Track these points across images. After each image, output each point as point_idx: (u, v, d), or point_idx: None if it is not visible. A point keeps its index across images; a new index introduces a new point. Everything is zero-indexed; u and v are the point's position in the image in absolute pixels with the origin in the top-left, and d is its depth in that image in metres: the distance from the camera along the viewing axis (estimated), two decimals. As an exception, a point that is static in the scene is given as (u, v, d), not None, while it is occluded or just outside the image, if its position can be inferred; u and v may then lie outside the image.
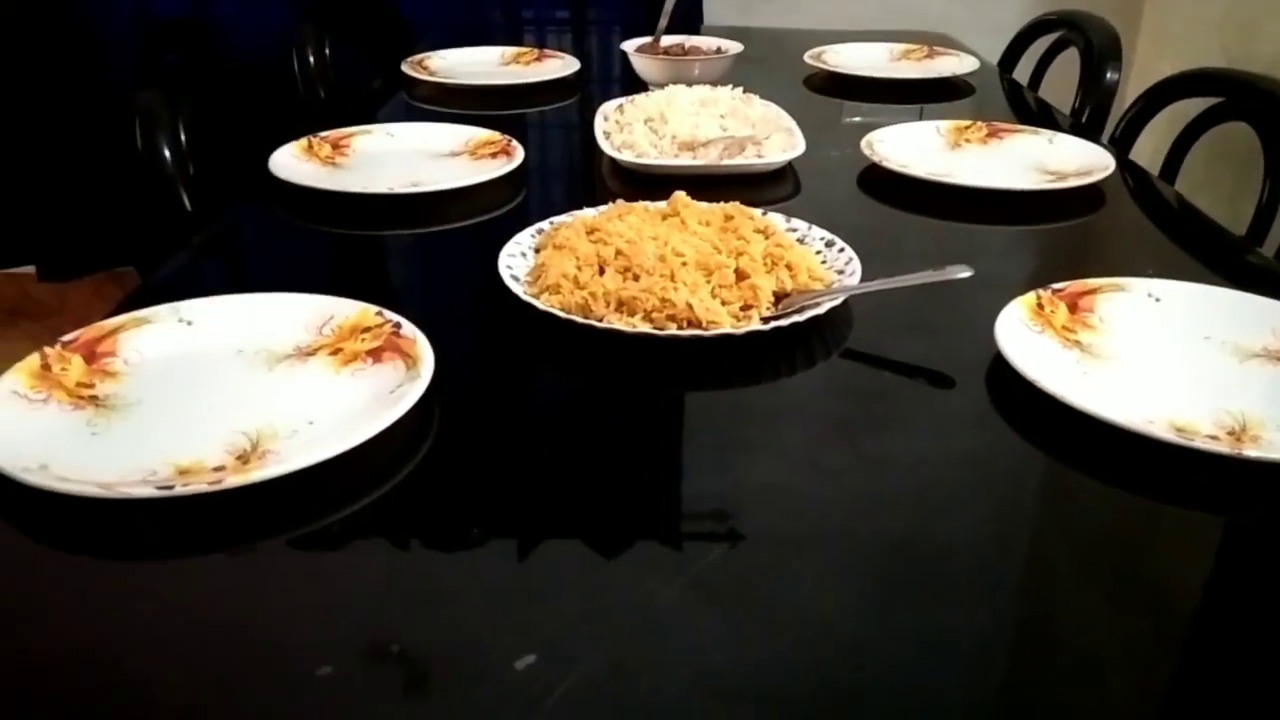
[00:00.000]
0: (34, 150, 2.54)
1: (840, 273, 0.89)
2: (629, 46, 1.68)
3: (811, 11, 2.68)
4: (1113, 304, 0.84)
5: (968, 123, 1.36)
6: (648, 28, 1.72)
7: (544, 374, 0.82)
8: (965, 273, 0.82)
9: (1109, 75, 1.63)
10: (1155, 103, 1.43)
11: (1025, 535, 0.65)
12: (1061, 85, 1.78)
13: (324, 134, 1.27)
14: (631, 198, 0.99)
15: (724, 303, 0.81)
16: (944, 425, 0.74)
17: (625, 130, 1.26)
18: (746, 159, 1.20)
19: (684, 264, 0.84)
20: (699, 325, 0.79)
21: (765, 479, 0.66)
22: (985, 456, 0.70)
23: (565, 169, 1.42)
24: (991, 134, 1.34)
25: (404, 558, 0.60)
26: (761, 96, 1.37)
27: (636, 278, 0.83)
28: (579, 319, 0.79)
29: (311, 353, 0.76)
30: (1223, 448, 0.65)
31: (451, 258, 1.06)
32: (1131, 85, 2.31)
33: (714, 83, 1.40)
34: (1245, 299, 0.85)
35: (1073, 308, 0.83)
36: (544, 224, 0.96)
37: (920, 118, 1.42)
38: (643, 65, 1.63)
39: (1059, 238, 1.12)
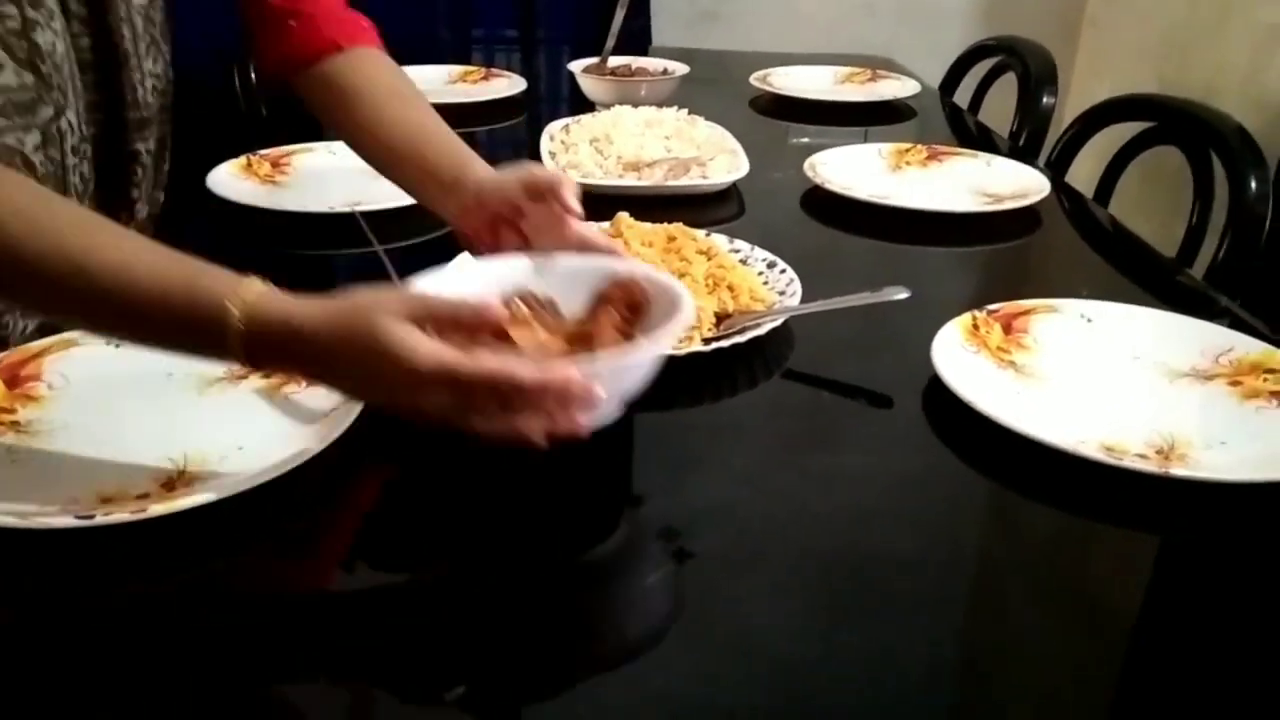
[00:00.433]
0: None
1: (781, 294, 0.89)
2: (576, 67, 1.68)
3: (758, 34, 2.71)
4: (1046, 325, 0.86)
5: (908, 146, 1.38)
6: (597, 48, 1.72)
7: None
8: (903, 294, 0.83)
9: (1045, 100, 1.67)
10: (1090, 127, 1.47)
11: (963, 553, 0.65)
12: (1000, 109, 1.82)
13: (264, 151, 1.25)
14: (575, 218, 0.99)
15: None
16: (883, 444, 0.75)
17: (571, 150, 1.26)
18: (691, 180, 1.20)
19: (625, 285, 0.84)
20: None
21: (709, 498, 0.66)
22: (923, 475, 0.71)
23: (511, 189, 1.42)
24: (931, 157, 1.36)
25: (339, 584, 0.59)
26: (707, 118, 1.38)
27: (578, 298, 0.83)
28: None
29: (244, 376, 0.75)
30: (1151, 467, 0.66)
31: (392, 279, 1.05)
32: (1069, 109, 2.37)
33: (660, 104, 1.41)
34: (1175, 320, 0.87)
35: (1007, 329, 0.85)
36: (486, 244, 0.96)
37: (865, 140, 1.44)
38: (590, 85, 1.63)
39: (996, 259, 1.14)
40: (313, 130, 1.45)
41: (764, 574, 0.59)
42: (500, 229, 0.78)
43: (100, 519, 0.58)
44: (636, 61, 1.76)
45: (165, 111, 0.99)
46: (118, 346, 0.78)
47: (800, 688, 0.52)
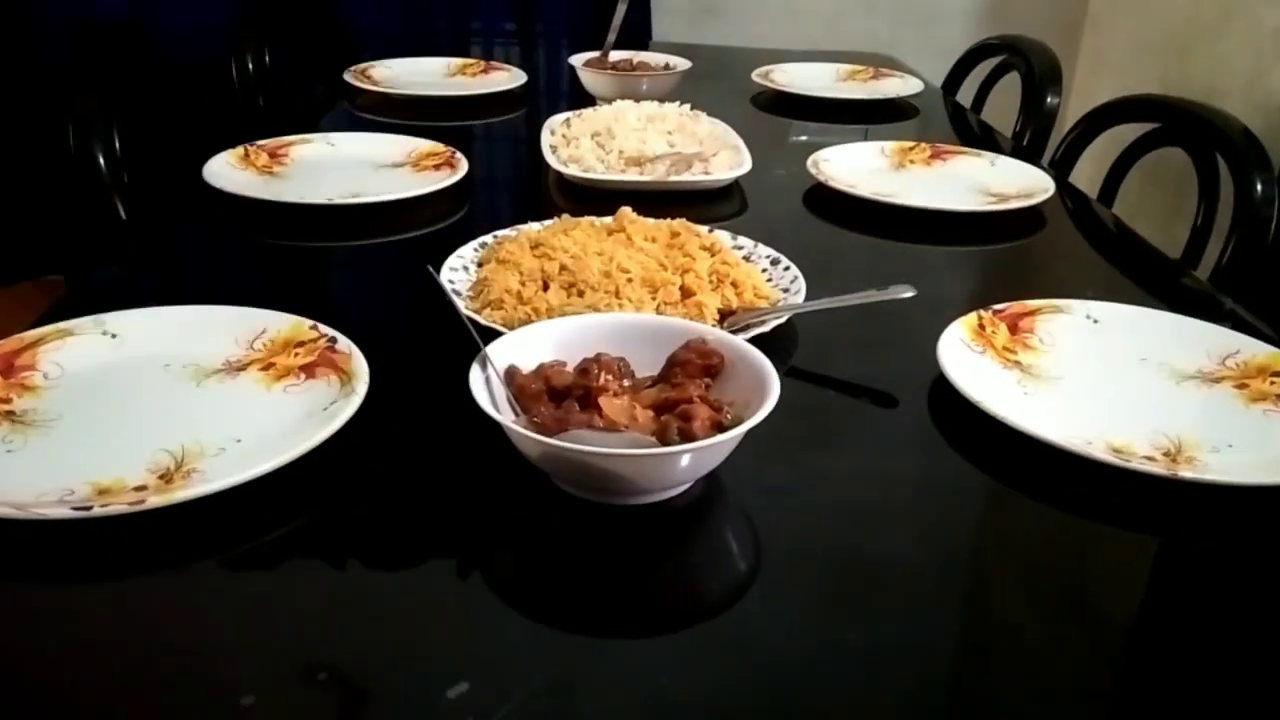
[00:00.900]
0: (-39, 154, 2.46)
1: (785, 291, 0.89)
2: (577, 61, 1.68)
3: (760, 30, 2.70)
4: (1052, 325, 0.85)
5: (912, 144, 1.37)
6: (596, 42, 1.72)
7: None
8: (908, 292, 0.82)
9: (1049, 100, 1.66)
10: (1094, 127, 1.46)
11: (966, 554, 0.65)
12: (1003, 108, 1.81)
13: (261, 142, 1.24)
14: (577, 213, 0.98)
15: (668, 320, 0.80)
16: (887, 444, 0.74)
17: (572, 145, 1.25)
18: (693, 176, 1.19)
19: (629, 280, 0.83)
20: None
21: (711, 496, 0.65)
22: (927, 476, 0.70)
23: (511, 182, 1.41)
24: (935, 155, 1.35)
25: (335, 581, 0.58)
26: (709, 114, 1.37)
27: (581, 293, 0.82)
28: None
29: (242, 368, 0.74)
30: (1158, 469, 0.66)
31: (391, 271, 1.04)
32: (1071, 110, 2.36)
33: (661, 99, 1.40)
34: (1181, 322, 0.86)
35: (1013, 328, 0.84)
36: (487, 238, 0.95)
37: (865, 138, 1.44)
38: (590, 80, 1.62)
39: (1000, 259, 1.14)
40: (310, 122, 1.45)
41: (766, 573, 0.59)
42: None
43: (97, 510, 0.57)
44: (637, 56, 1.75)
45: None
46: (114, 337, 0.77)
47: (802, 688, 0.51)
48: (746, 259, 0.94)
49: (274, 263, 1.04)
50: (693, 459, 0.60)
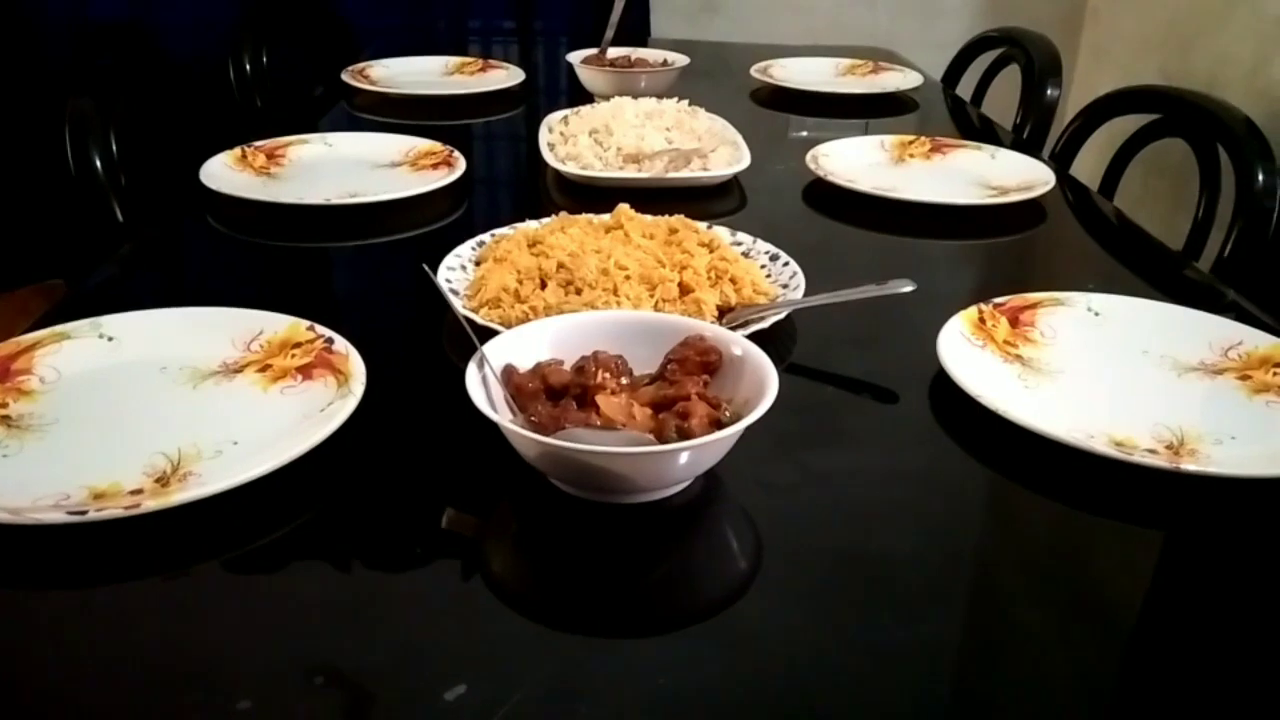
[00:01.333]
0: (-40, 158, 2.45)
1: (785, 287, 0.88)
2: (575, 58, 1.67)
3: (759, 26, 2.70)
4: (1053, 318, 0.85)
5: (912, 138, 1.37)
6: (595, 39, 1.71)
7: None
8: (908, 287, 0.82)
9: (1049, 92, 1.66)
10: (1094, 119, 1.45)
11: (969, 549, 0.64)
12: (1004, 100, 1.80)
13: (258, 143, 1.24)
14: (576, 210, 0.98)
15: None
16: (888, 440, 0.74)
17: (570, 142, 1.25)
18: (692, 172, 1.19)
19: (627, 277, 0.83)
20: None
21: (711, 493, 0.65)
22: (929, 471, 0.70)
23: (509, 181, 1.41)
24: (935, 149, 1.34)
25: (332, 583, 0.57)
26: (708, 109, 1.36)
27: (579, 291, 0.82)
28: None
29: (239, 369, 0.74)
30: (1161, 462, 0.65)
31: (389, 271, 1.04)
32: (1072, 102, 2.36)
33: (660, 95, 1.40)
34: (1182, 313, 0.86)
35: (1014, 322, 0.83)
36: (484, 236, 0.95)
37: (865, 133, 1.43)
38: (588, 77, 1.62)
39: (1000, 252, 1.13)
40: (308, 122, 1.44)
41: (766, 571, 0.58)
42: None
43: (93, 515, 0.57)
44: (636, 52, 1.75)
45: None
46: (111, 340, 0.77)
47: (804, 682, 0.51)
48: (745, 255, 0.94)
49: (271, 264, 1.04)
50: (691, 457, 0.59)
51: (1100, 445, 0.66)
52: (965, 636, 0.57)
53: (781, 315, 0.83)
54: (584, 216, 0.95)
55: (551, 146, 1.25)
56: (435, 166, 1.21)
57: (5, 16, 2.38)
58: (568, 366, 0.67)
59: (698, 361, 0.67)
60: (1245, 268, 1.13)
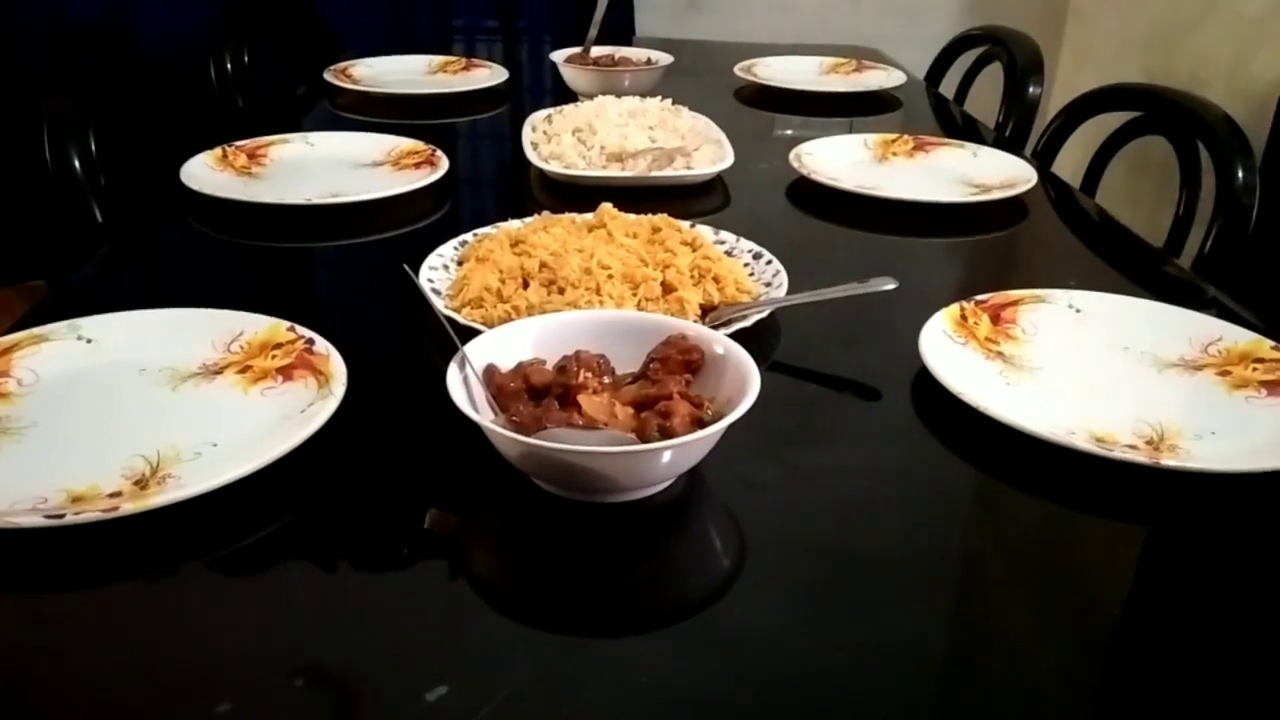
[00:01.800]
0: (-62, 158, 2.43)
1: (768, 285, 0.88)
2: (558, 57, 1.67)
3: (743, 25, 2.70)
4: (1035, 315, 0.85)
5: (895, 136, 1.37)
6: (578, 38, 1.71)
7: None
8: (890, 285, 0.82)
9: (1031, 90, 1.66)
10: (1076, 117, 1.46)
11: (951, 545, 0.64)
12: (986, 99, 1.81)
13: (240, 143, 1.23)
14: (559, 209, 0.98)
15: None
16: (871, 437, 0.74)
17: (553, 141, 1.24)
18: (675, 170, 1.19)
19: (610, 277, 0.83)
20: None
21: (695, 492, 0.65)
22: (912, 468, 0.70)
23: (493, 180, 1.40)
24: (918, 147, 1.35)
25: (313, 585, 0.57)
26: (691, 108, 1.36)
27: (561, 291, 0.82)
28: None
29: (218, 371, 0.73)
30: (1141, 457, 0.66)
31: (371, 271, 1.03)
32: (1054, 100, 2.37)
33: (643, 94, 1.40)
34: (1163, 310, 0.86)
35: (995, 319, 0.84)
36: (467, 236, 0.94)
37: (849, 131, 1.43)
38: (572, 75, 1.61)
39: (983, 250, 1.13)
40: (290, 121, 1.44)
41: (749, 569, 0.58)
42: None
43: (70, 518, 0.56)
44: (619, 51, 1.75)
45: None
46: (89, 342, 0.76)
47: (788, 680, 0.51)
48: (729, 254, 0.94)
49: (252, 264, 1.03)
50: (673, 455, 0.59)
51: (1081, 441, 0.66)
52: (948, 632, 0.57)
53: (764, 314, 0.83)
54: (567, 216, 0.95)
55: (535, 145, 1.24)
56: (418, 166, 1.20)
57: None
58: (550, 366, 0.66)
59: (680, 360, 0.67)
60: (1225, 264, 1.14)
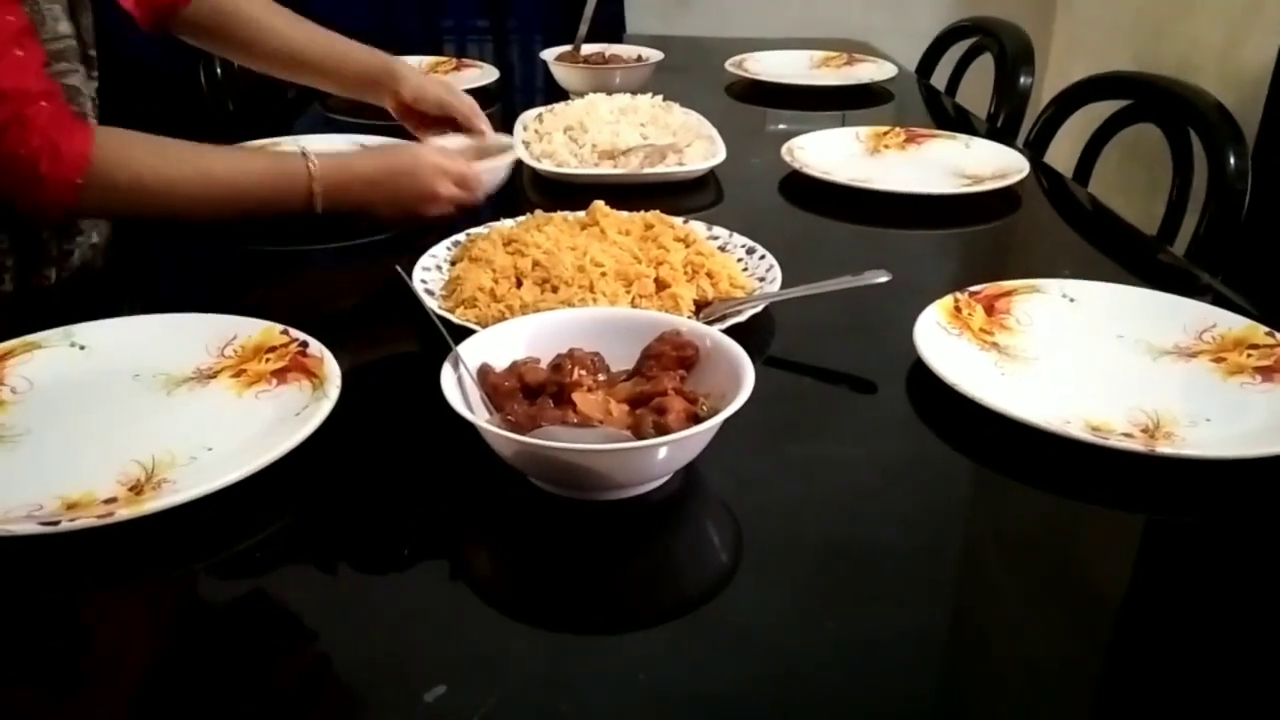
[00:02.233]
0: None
1: (761, 280, 0.88)
2: (549, 55, 1.67)
3: (733, 20, 2.70)
4: (1029, 305, 0.85)
5: (887, 129, 1.37)
6: (569, 37, 1.71)
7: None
8: (883, 277, 0.82)
9: (1022, 80, 1.66)
10: (1068, 106, 1.46)
11: (949, 536, 0.64)
12: (977, 90, 1.81)
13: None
14: (552, 208, 0.98)
15: (643, 313, 0.80)
16: (867, 430, 0.74)
17: (545, 139, 1.24)
18: (667, 167, 1.19)
19: (603, 274, 0.83)
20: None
21: (691, 487, 0.65)
22: (908, 460, 0.70)
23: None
24: (910, 139, 1.35)
25: (310, 587, 0.57)
26: (683, 104, 1.36)
27: (555, 289, 0.82)
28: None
29: (213, 375, 0.73)
30: (1137, 445, 0.66)
31: (365, 273, 1.03)
32: (1045, 89, 2.37)
33: (635, 91, 1.39)
34: (1157, 297, 0.86)
35: (990, 310, 0.84)
36: (460, 236, 0.94)
37: (841, 125, 1.43)
38: (563, 74, 1.61)
39: (976, 240, 1.13)
40: (281, 125, 1.43)
41: (747, 564, 0.58)
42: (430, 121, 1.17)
43: (65, 525, 0.56)
44: (610, 49, 1.74)
45: None
46: (83, 349, 0.76)
47: (787, 674, 0.51)
48: (722, 249, 0.94)
49: (245, 268, 1.03)
50: (668, 452, 0.59)
51: (1076, 430, 0.66)
52: (946, 623, 0.57)
53: (758, 308, 0.83)
54: (559, 214, 0.95)
55: (527, 144, 1.24)
56: (410, 167, 1.20)
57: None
58: (544, 365, 0.66)
59: (674, 357, 0.67)
60: (1219, 251, 1.14)
